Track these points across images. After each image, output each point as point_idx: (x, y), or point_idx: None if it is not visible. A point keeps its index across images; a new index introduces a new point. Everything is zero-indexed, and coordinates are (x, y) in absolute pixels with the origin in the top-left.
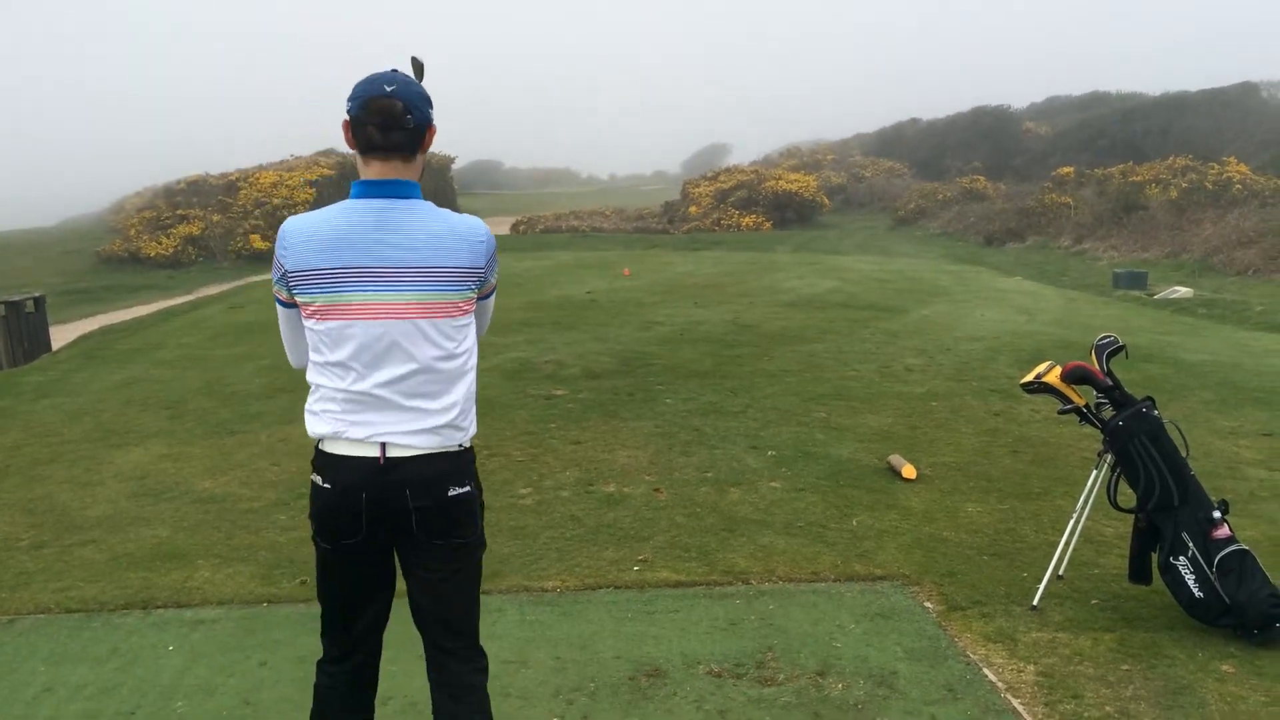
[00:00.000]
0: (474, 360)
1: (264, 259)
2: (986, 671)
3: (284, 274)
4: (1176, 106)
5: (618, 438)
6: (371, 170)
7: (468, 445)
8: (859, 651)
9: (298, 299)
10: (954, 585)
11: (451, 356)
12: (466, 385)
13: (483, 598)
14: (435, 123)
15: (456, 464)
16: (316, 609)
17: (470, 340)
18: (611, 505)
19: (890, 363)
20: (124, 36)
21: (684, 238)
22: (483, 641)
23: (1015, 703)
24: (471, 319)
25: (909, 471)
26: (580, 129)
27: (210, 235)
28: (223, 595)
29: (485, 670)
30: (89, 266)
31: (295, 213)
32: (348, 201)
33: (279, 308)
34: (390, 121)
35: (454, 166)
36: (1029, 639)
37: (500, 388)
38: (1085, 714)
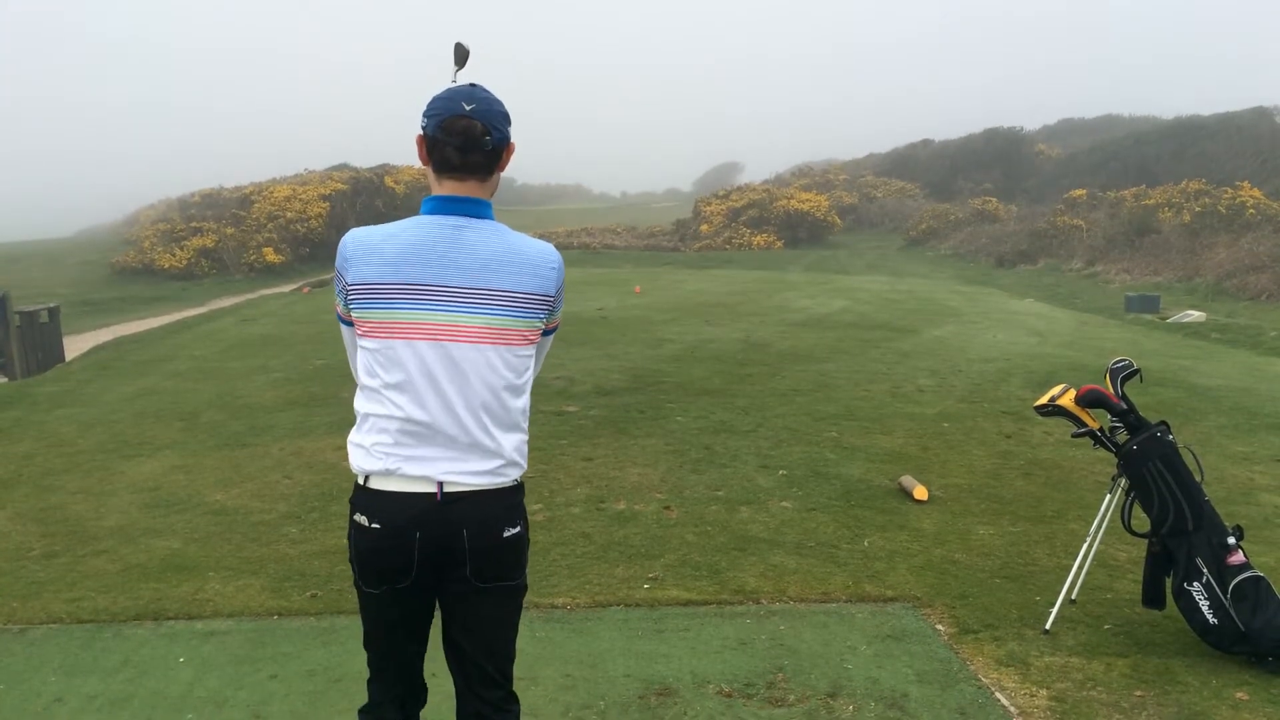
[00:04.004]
0: (529, 399)
1: (276, 272)
2: (999, 695)
3: (344, 286)
4: (1189, 130)
5: (628, 455)
6: (445, 188)
7: (521, 482)
8: (870, 673)
9: (354, 315)
10: (966, 608)
11: (514, 389)
12: (525, 420)
13: None
14: (514, 140)
15: (511, 502)
16: (327, 622)
17: (531, 374)
18: (622, 523)
19: (902, 383)
20: (141, 50)
21: (695, 256)
22: None
23: None
24: (534, 351)
25: (920, 493)
26: (592, 146)
27: (224, 248)
28: (233, 607)
29: (518, 716)
30: (103, 277)
31: (309, 227)
32: (418, 217)
33: (341, 325)
34: (470, 144)
35: None
36: (1041, 663)
37: None
38: None
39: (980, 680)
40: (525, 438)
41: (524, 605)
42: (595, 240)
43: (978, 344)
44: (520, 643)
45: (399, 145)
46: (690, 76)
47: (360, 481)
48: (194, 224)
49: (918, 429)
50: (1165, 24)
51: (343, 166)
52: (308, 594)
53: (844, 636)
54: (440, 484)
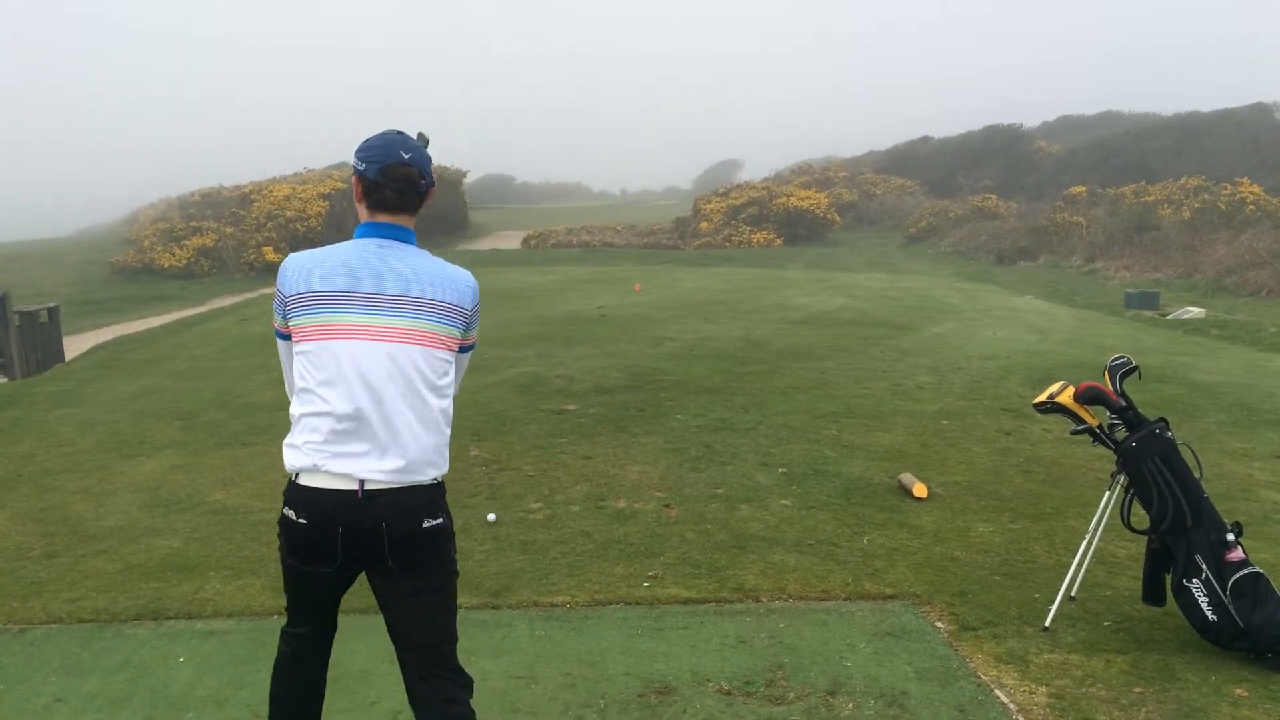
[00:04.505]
0: (451, 405)
1: (275, 271)
2: (998, 693)
3: (283, 300)
4: (1189, 127)
5: (628, 453)
6: (377, 218)
7: (440, 480)
8: (869, 671)
9: (291, 324)
10: (965, 605)
11: (435, 388)
12: (446, 423)
13: (492, 613)
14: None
15: (431, 496)
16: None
17: (451, 380)
18: (622, 521)
19: (901, 381)
20: (139, 46)
21: (695, 254)
22: (492, 657)
23: None
24: (454, 360)
25: (920, 490)
26: (592, 144)
27: (223, 247)
28: (234, 607)
29: (469, 688)
30: (103, 277)
31: (309, 226)
32: (351, 241)
33: (279, 342)
34: (408, 188)
35: (466, 181)
36: (1041, 660)
37: (511, 402)
38: None
39: (980, 677)
40: (445, 441)
41: (523, 603)
42: (595, 238)
43: (977, 341)
44: (519, 641)
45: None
46: (690, 74)
47: (292, 478)
48: (194, 223)
49: (917, 426)
50: (1164, 20)
51: (342, 165)
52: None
53: (843, 634)
54: (361, 481)
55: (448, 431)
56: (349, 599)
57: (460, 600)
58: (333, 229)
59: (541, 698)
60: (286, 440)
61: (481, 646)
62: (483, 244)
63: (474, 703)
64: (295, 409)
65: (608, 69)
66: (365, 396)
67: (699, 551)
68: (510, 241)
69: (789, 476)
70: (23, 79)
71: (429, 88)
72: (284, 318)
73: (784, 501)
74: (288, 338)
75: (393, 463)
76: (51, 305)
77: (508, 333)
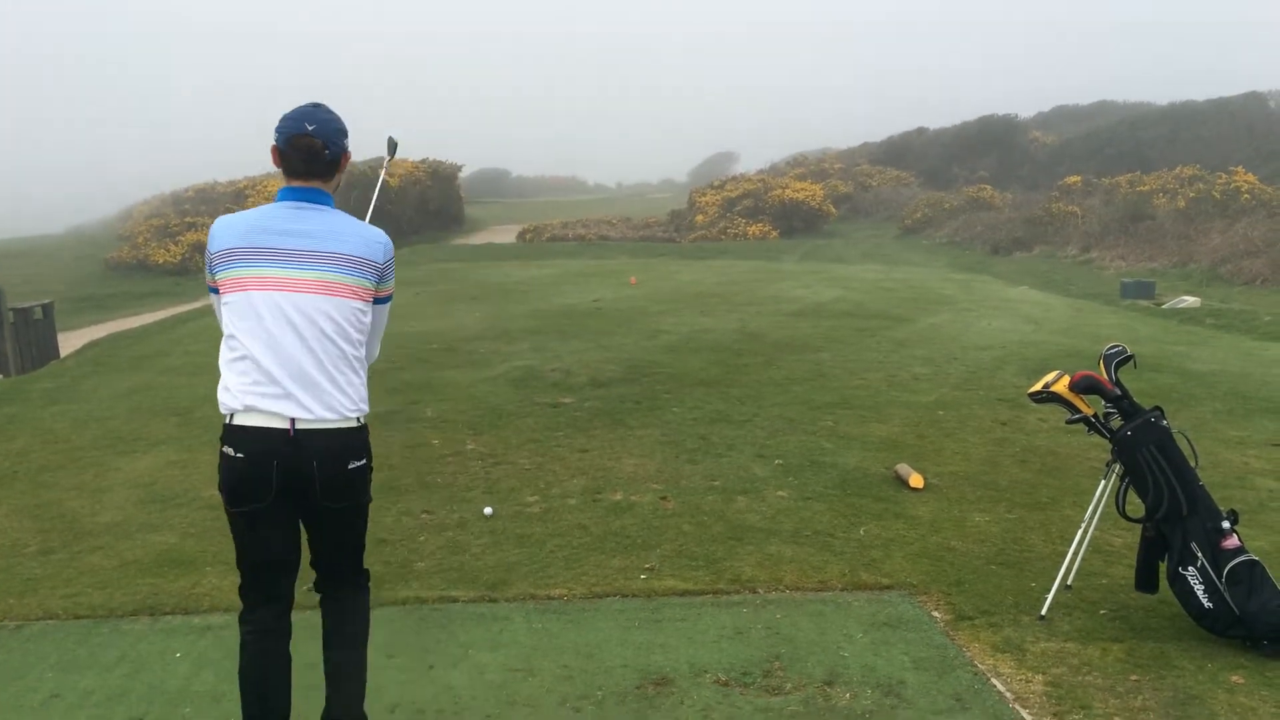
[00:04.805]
0: (366, 350)
1: None
2: (994, 681)
3: (210, 257)
4: (1184, 116)
5: (624, 446)
6: (293, 183)
7: (364, 422)
8: (866, 661)
9: (217, 278)
10: (962, 595)
11: (347, 337)
12: (361, 367)
13: (489, 606)
14: (350, 150)
15: (357, 439)
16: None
17: (365, 330)
18: (618, 513)
19: (897, 372)
20: (132, 39)
21: (690, 246)
22: (489, 650)
23: (1023, 713)
24: (369, 310)
25: (916, 481)
26: (587, 138)
27: None
28: (230, 602)
29: (367, 582)
30: (97, 273)
31: None
32: (270, 204)
33: (211, 295)
34: (312, 157)
35: (461, 175)
36: (1037, 649)
37: (507, 396)
38: None
39: (976, 666)
40: (363, 383)
41: (521, 596)
42: (590, 232)
43: (973, 332)
44: (517, 634)
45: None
46: (685, 67)
47: (227, 420)
48: (188, 219)
49: (913, 417)
50: (1158, 9)
51: None
52: (304, 588)
53: (840, 625)
54: (293, 420)
55: (364, 375)
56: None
57: (457, 593)
58: None
59: (539, 690)
60: (220, 386)
61: (479, 639)
62: (478, 238)
63: (472, 697)
64: (224, 355)
65: (602, 62)
66: (281, 342)
67: (696, 543)
68: (506, 235)
69: (785, 468)
70: (15, 75)
71: (422, 80)
72: (211, 273)
73: (780, 493)
74: (216, 291)
75: (318, 405)
76: (46, 302)
77: (503, 326)
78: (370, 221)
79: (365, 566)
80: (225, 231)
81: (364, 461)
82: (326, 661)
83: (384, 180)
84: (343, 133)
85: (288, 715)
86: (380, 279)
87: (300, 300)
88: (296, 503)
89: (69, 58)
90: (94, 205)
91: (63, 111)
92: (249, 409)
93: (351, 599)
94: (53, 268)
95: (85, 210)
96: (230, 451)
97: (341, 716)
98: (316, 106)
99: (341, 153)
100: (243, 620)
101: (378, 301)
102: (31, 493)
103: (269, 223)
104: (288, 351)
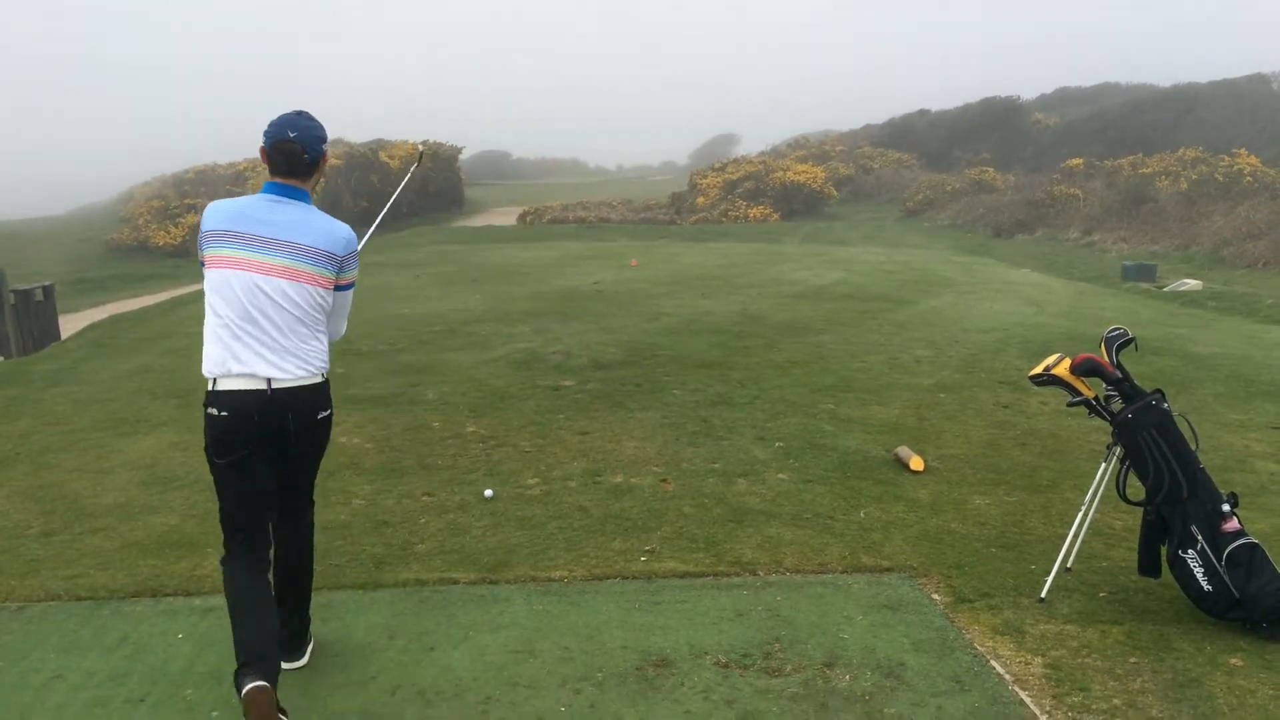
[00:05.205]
0: (327, 330)
1: None
2: (994, 663)
3: (201, 236)
4: (1187, 98)
5: (625, 428)
6: (275, 179)
7: (326, 378)
8: (866, 643)
9: (204, 255)
10: (961, 577)
11: (309, 316)
12: (324, 338)
13: (490, 588)
14: (328, 151)
15: (322, 392)
16: (325, 598)
17: (324, 307)
18: (619, 496)
19: (898, 354)
20: (133, 18)
21: (691, 229)
22: (490, 631)
23: (1023, 694)
24: (329, 294)
25: (916, 463)
26: (588, 119)
27: None
28: None
29: (311, 507)
30: (98, 255)
31: None
32: (256, 194)
33: (203, 270)
34: (293, 160)
35: (461, 157)
36: (1037, 631)
37: (508, 378)
38: (1093, 706)
39: (976, 649)
40: (324, 349)
41: (521, 578)
42: (591, 214)
43: (974, 314)
44: (517, 615)
45: (394, 120)
46: (686, 48)
47: (210, 386)
48: (188, 200)
49: (914, 400)
50: None
51: (336, 142)
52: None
53: (840, 607)
54: (269, 380)
55: (325, 341)
56: (346, 576)
57: (457, 575)
58: (326, 205)
59: (540, 671)
60: (204, 352)
61: (479, 621)
62: (478, 220)
63: (473, 678)
64: (206, 327)
65: (604, 44)
66: (253, 315)
67: (696, 525)
68: (506, 218)
69: (786, 450)
70: (18, 60)
71: (424, 63)
72: (200, 250)
73: (781, 475)
74: (204, 265)
75: (288, 366)
76: (47, 284)
77: (504, 309)
78: (379, 209)
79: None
80: (214, 215)
81: (329, 412)
82: (277, 569)
83: (405, 183)
84: (321, 139)
85: (274, 634)
86: (340, 269)
87: (267, 281)
88: (271, 449)
89: (75, 39)
90: (95, 187)
91: (66, 92)
92: (228, 374)
93: (298, 516)
94: (54, 249)
95: (86, 192)
96: (214, 412)
97: (292, 629)
98: (300, 114)
99: (320, 156)
100: (224, 562)
101: (340, 288)
102: (33, 474)
103: (250, 211)
104: (259, 324)
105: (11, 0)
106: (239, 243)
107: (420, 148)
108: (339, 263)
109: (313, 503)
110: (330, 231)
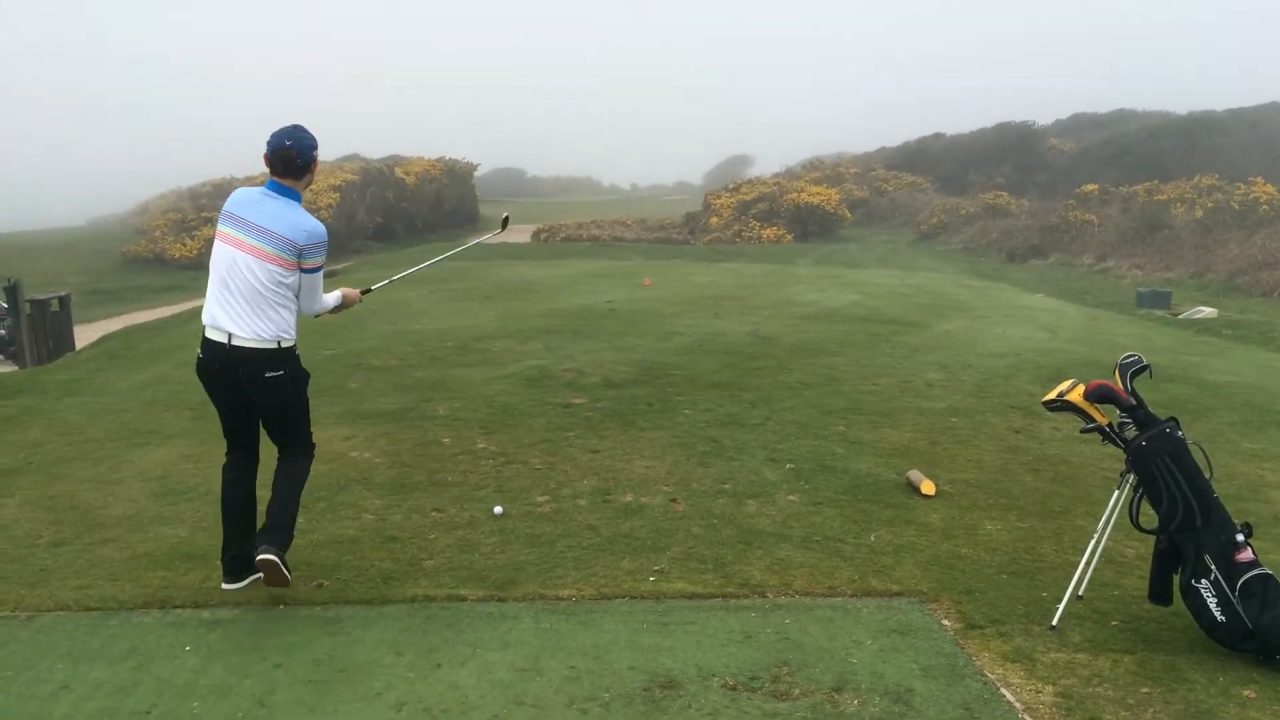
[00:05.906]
0: (294, 306)
1: None
2: (1004, 691)
3: (220, 213)
4: (1203, 125)
5: (636, 447)
6: (273, 178)
7: (286, 347)
8: (875, 668)
9: (217, 229)
10: (972, 603)
11: (273, 291)
12: (288, 313)
13: (498, 605)
14: (318, 157)
15: (275, 356)
16: (333, 612)
17: (286, 285)
18: (629, 515)
19: (910, 377)
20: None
21: (705, 249)
22: (497, 649)
23: None
24: (295, 276)
25: (928, 487)
26: (603, 139)
27: None
28: (240, 596)
29: (309, 451)
30: (114, 266)
31: (319, 217)
32: (259, 187)
33: None
34: (288, 164)
35: (477, 174)
36: (1048, 659)
37: (519, 395)
38: None
39: (986, 676)
40: (282, 320)
41: (529, 596)
42: (605, 233)
43: (987, 339)
44: (525, 633)
45: (410, 136)
46: (702, 69)
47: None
48: (205, 214)
49: (926, 424)
50: (1179, 18)
51: (353, 157)
52: (314, 583)
53: (849, 631)
54: (230, 335)
55: (291, 314)
56: (353, 591)
57: (466, 592)
58: (343, 220)
59: (546, 690)
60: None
61: (487, 639)
62: (493, 237)
63: (479, 696)
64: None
65: (620, 63)
66: (229, 283)
67: (705, 546)
68: (520, 235)
69: (796, 472)
70: (32, 69)
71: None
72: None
73: (791, 497)
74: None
75: (247, 329)
76: (63, 294)
77: (516, 326)
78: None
79: (314, 442)
80: (231, 199)
81: (281, 373)
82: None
83: (484, 240)
84: (312, 147)
85: (252, 527)
86: (300, 255)
87: (242, 258)
88: (235, 395)
89: (92, 54)
90: (111, 199)
91: (87, 105)
92: (206, 326)
93: (286, 454)
94: (70, 260)
95: (103, 204)
96: (199, 352)
97: (269, 523)
98: (296, 128)
99: (310, 161)
100: (224, 468)
101: (306, 270)
102: (45, 484)
103: (250, 200)
104: (231, 290)
105: (16, 13)
106: (234, 223)
107: (505, 214)
108: (299, 249)
109: (306, 453)
110: (297, 224)
